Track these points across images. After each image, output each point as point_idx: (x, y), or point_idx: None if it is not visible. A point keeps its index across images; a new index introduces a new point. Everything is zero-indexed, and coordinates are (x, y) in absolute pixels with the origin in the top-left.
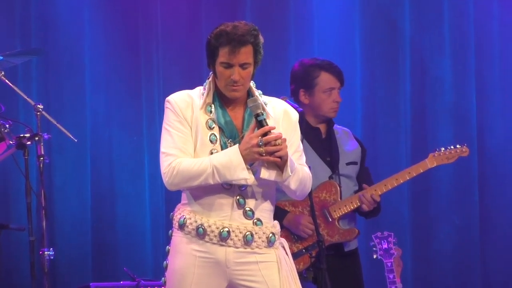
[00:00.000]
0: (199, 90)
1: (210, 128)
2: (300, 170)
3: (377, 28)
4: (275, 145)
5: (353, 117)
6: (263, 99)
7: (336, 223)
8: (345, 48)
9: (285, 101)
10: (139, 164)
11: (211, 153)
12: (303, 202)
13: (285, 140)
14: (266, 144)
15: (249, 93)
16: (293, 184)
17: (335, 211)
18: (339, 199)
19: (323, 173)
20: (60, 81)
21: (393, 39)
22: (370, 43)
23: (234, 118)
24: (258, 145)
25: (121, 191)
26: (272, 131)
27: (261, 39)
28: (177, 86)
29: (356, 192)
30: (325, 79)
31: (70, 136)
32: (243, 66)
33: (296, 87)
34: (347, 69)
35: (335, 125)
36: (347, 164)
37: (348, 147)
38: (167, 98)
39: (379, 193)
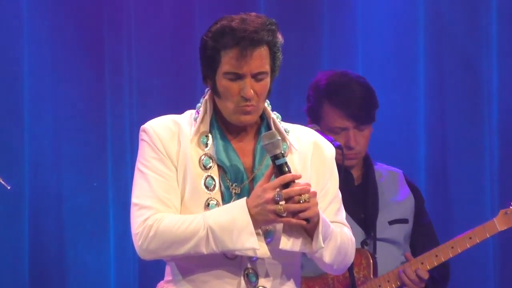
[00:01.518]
0: (189, 114)
1: (206, 168)
2: (338, 234)
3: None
4: (300, 201)
5: (414, 154)
6: (282, 126)
7: None
8: (406, 60)
9: (316, 131)
10: (101, 222)
11: (207, 206)
12: (320, 280)
13: (315, 194)
14: (288, 199)
15: (262, 118)
16: (328, 255)
17: None
18: (371, 276)
19: (354, 236)
20: None
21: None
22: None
23: (240, 152)
24: (275, 201)
25: (75, 262)
26: (297, 181)
27: (280, 37)
28: (157, 109)
29: (404, 264)
30: (330, 115)
31: (1, 181)
32: (257, 76)
33: (307, 111)
34: (406, 91)
35: (378, 164)
36: (391, 222)
37: (395, 196)
38: (143, 127)
39: (428, 267)
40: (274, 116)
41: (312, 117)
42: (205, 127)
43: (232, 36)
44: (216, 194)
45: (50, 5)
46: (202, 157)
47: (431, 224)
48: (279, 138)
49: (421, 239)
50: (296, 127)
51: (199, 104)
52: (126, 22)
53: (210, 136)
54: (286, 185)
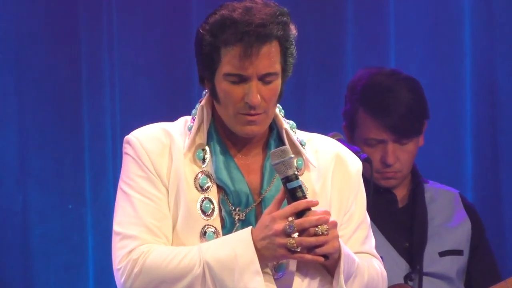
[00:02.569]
0: (183, 122)
1: (202, 189)
2: (366, 270)
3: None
4: (317, 234)
5: (458, 168)
6: (297, 136)
7: None
8: (448, 55)
9: (338, 140)
10: (78, 253)
11: (203, 235)
12: None
13: (335, 224)
14: (302, 231)
15: (272, 127)
16: None
17: None
18: None
19: (395, 269)
20: None
21: None
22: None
23: (245, 170)
24: (287, 233)
25: None
26: (313, 208)
27: (294, 30)
28: (145, 115)
29: None
30: (365, 123)
31: None
32: (265, 78)
33: (343, 118)
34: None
35: (430, 183)
36: (442, 254)
37: (448, 222)
38: (127, 138)
39: None
40: (287, 125)
41: (348, 123)
42: (202, 138)
43: (234, 30)
44: (215, 220)
45: None
46: (198, 175)
47: (493, 256)
48: (292, 155)
49: (479, 275)
50: (315, 137)
51: (195, 110)
52: (106, 5)
53: (207, 149)
54: (300, 213)
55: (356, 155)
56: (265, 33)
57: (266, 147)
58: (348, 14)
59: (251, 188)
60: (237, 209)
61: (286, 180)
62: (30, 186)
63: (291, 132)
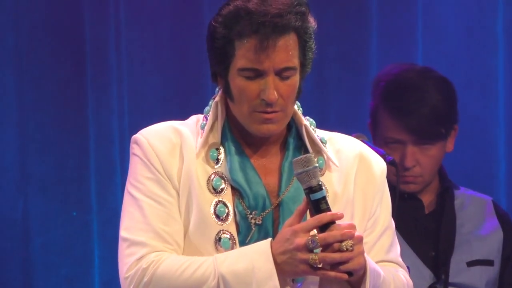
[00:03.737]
0: (195, 121)
1: (216, 192)
2: (392, 282)
3: None
4: (341, 249)
5: (490, 173)
6: (317, 134)
7: None
8: (480, 52)
9: (363, 141)
10: (83, 264)
11: (218, 241)
12: None
13: (360, 239)
14: (325, 246)
15: (291, 125)
16: None
17: None
18: None
19: (419, 279)
20: None
21: None
22: None
23: (262, 170)
24: (309, 249)
25: None
26: (338, 221)
27: (313, 21)
28: (154, 114)
29: None
30: (385, 122)
31: None
32: (282, 73)
33: (370, 116)
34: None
35: (462, 189)
36: (470, 264)
37: (478, 230)
38: (134, 137)
39: None
40: (307, 122)
41: (372, 120)
42: (216, 137)
43: (249, 21)
44: (230, 225)
45: None
46: (212, 176)
47: None
48: (316, 165)
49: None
50: (336, 136)
51: (208, 108)
52: (113, 6)
53: (221, 149)
54: (324, 227)
55: (382, 158)
56: (282, 24)
57: (284, 146)
58: (372, 6)
59: (267, 190)
60: (253, 213)
61: (310, 190)
62: (31, 192)
63: (311, 130)
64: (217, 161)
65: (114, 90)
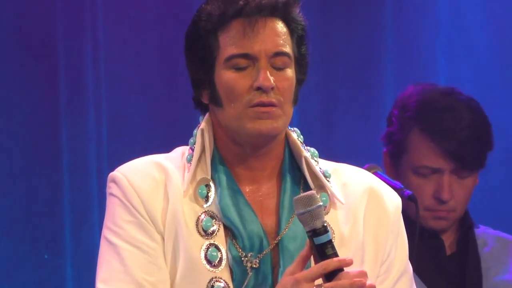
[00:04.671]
0: (180, 153)
1: (207, 234)
2: None
3: None
4: None
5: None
6: (320, 166)
7: None
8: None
9: (375, 174)
10: None
11: None
12: None
13: None
14: None
15: (288, 155)
16: None
17: None
18: None
19: None
20: None
21: None
22: None
23: (258, 207)
24: None
25: None
26: (346, 268)
27: (300, 14)
28: (136, 140)
29: None
30: (420, 147)
31: None
32: (276, 61)
33: (383, 141)
34: None
35: (481, 228)
36: None
37: (505, 274)
38: (112, 175)
39: None
40: (308, 154)
41: (393, 148)
42: (205, 171)
43: (232, 4)
44: (224, 271)
45: None
46: (201, 216)
47: None
48: (321, 203)
49: None
50: (343, 168)
51: (193, 139)
52: (90, 6)
53: (211, 185)
54: (330, 275)
55: (399, 192)
56: (267, 3)
57: (280, 178)
58: (386, 19)
59: (264, 228)
60: (249, 255)
61: (314, 233)
62: None
63: (312, 162)
64: (207, 198)
65: (91, 113)
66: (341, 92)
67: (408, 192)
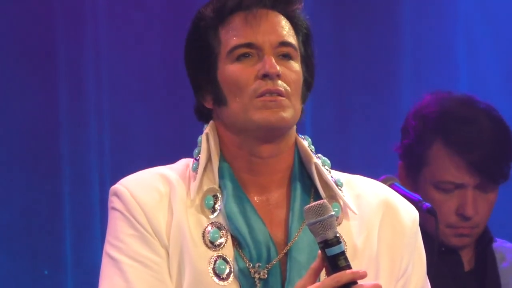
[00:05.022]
0: (184, 164)
1: (214, 246)
2: None
3: None
4: None
5: None
6: (332, 175)
7: None
8: None
9: (392, 186)
10: None
11: None
12: None
13: None
14: None
15: (298, 162)
16: None
17: None
18: None
19: None
20: None
21: None
22: None
23: (266, 213)
24: None
25: None
26: (358, 280)
27: (302, 14)
28: (140, 151)
29: None
30: (443, 160)
31: None
32: (281, 51)
33: (399, 154)
34: None
35: (498, 242)
36: None
37: None
38: (113, 188)
39: None
40: (318, 160)
41: (411, 160)
42: (211, 180)
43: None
44: (232, 284)
45: None
46: (208, 228)
47: None
48: (333, 213)
49: None
50: (356, 179)
51: (197, 149)
52: (90, 11)
53: (218, 195)
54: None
55: (417, 205)
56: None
57: (290, 186)
58: (404, 24)
59: (272, 237)
60: (256, 266)
61: (325, 244)
62: None
63: (322, 169)
64: (213, 209)
65: (93, 124)
66: (357, 100)
67: (427, 204)
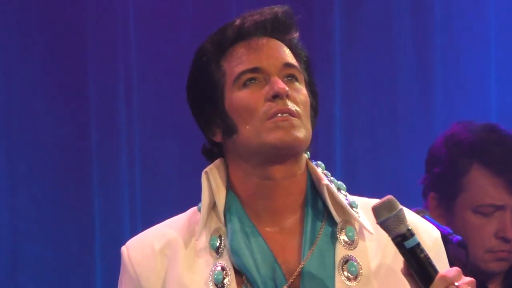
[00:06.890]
0: (192, 210)
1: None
2: None
3: None
4: None
5: None
6: (348, 198)
7: None
8: None
9: (423, 217)
10: None
11: None
12: None
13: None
14: None
15: (310, 186)
16: None
17: None
18: None
19: None
20: None
21: None
22: None
23: (278, 242)
24: None
25: None
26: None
27: (299, 42)
28: (171, 184)
29: None
30: (482, 183)
31: None
32: (286, 73)
33: (428, 185)
34: None
35: None
36: None
37: None
38: (122, 247)
39: None
40: (327, 180)
41: (444, 189)
42: (218, 218)
43: (228, 28)
44: None
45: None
46: (213, 269)
47: None
48: (401, 207)
49: None
50: (373, 201)
51: (201, 203)
52: (122, 45)
53: (222, 235)
54: (426, 278)
55: (447, 237)
56: (264, 20)
57: (303, 211)
58: (435, 53)
59: (287, 267)
60: None
61: (403, 238)
62: (22, 281)
63: (334, 191)
64: (218, 249)
65: (124, 157)
66: (387, 132)
67: (457, 237)
